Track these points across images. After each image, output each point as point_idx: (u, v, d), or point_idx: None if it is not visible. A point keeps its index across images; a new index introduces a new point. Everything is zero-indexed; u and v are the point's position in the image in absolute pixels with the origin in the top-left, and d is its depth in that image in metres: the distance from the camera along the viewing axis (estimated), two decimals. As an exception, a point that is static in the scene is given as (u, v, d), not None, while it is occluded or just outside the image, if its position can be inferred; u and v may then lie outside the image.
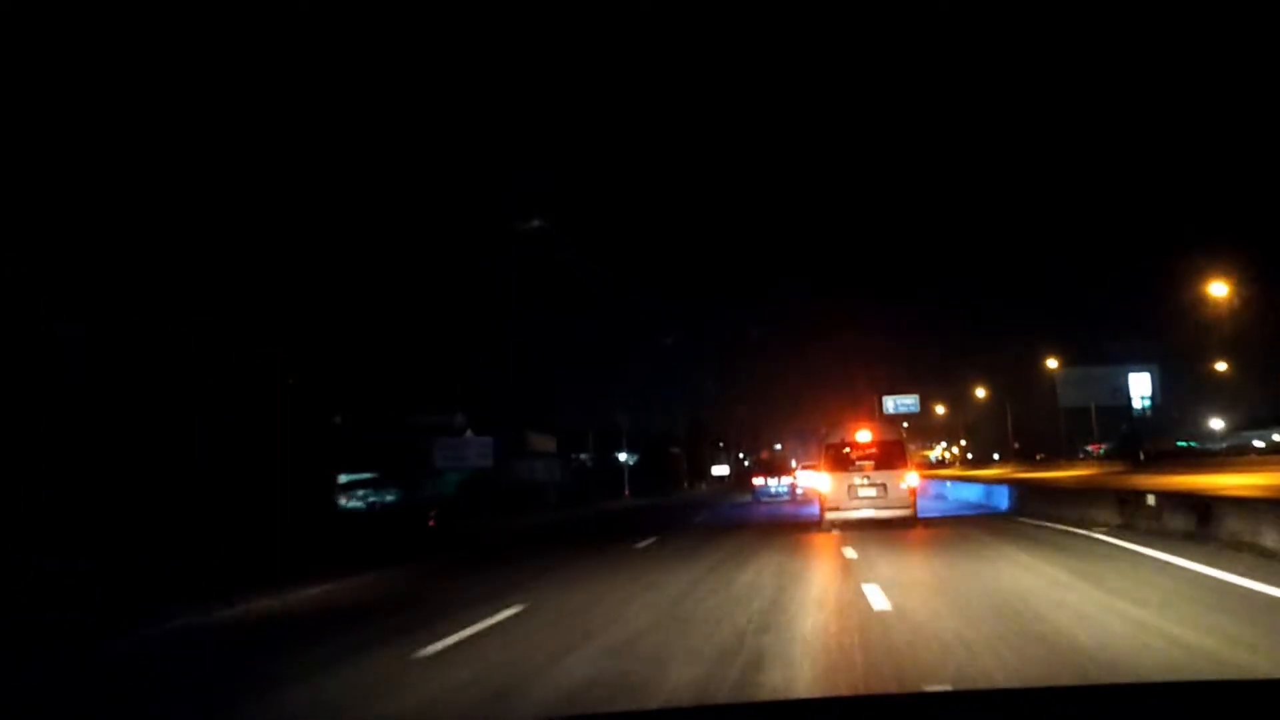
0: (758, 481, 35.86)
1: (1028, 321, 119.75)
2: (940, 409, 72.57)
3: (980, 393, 68.97)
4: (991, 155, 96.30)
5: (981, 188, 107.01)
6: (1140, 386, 66.97)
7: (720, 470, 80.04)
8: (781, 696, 5.01)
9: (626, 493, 44.87)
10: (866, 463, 17.10)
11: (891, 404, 66.04)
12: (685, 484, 66.71)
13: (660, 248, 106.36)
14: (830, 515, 16.86)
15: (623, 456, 49.20)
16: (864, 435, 18.21)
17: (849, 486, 16.80)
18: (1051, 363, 63.61)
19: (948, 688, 5.04)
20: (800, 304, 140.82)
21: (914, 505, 16.83)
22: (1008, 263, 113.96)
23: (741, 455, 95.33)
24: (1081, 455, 72.56)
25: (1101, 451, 71.91)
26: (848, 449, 17.93)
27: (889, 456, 17.27)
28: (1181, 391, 70.45)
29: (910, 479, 17.10)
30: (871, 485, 16.72)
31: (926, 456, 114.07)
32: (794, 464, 58.63)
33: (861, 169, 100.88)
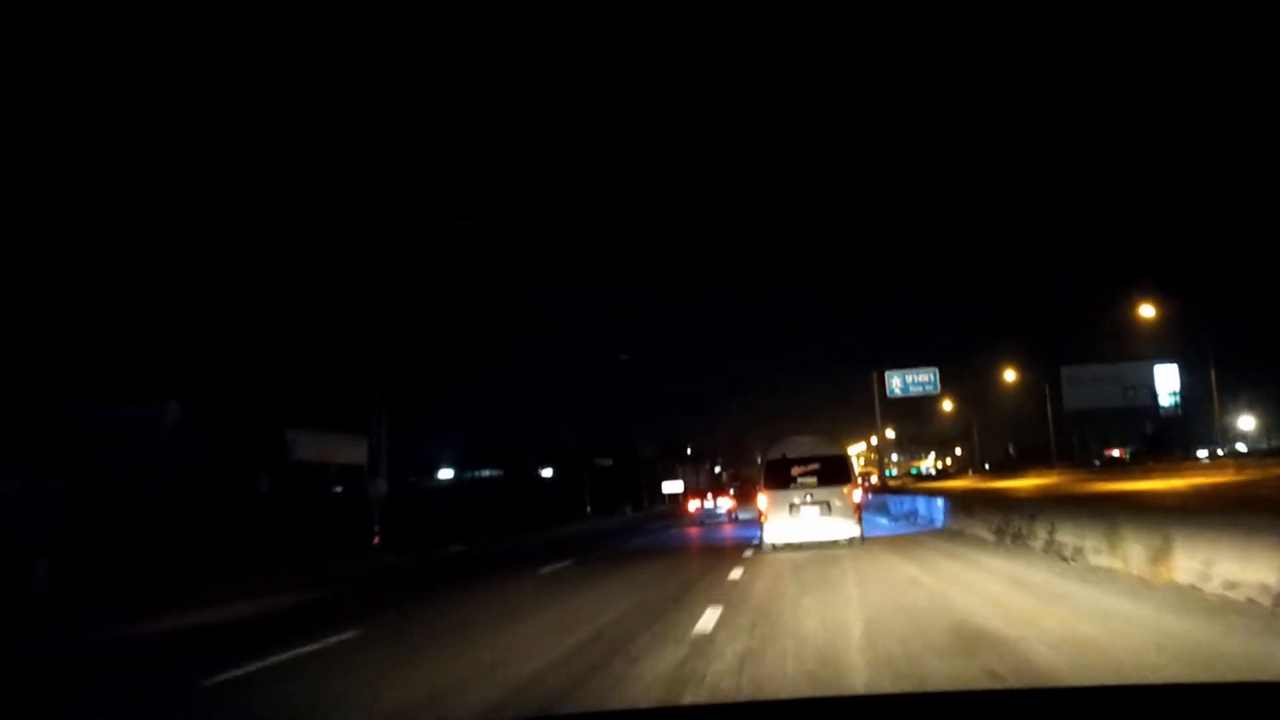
0: (693, 506, 35.64)
1: (1029, 317, 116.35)
2: (947, 405, 62.38)
3: (1010, 375, 55.87)
4: (991, 155, 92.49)
5: (982, 188, 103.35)
6: (1167, 381, 57.15)
7: (673, 487, 66.46)
8: None
9: (376, 539, 25.26)
10: (809, 479, 16.43)
11: (899, 382, 45.17)
12: (588, 509, 51.68)
13: (654, 245, 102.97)
14: (770, 538, 16.38)
15: (385, 484, 28.82)
16: (805, 449, 16.86)
17: (790, 505, 16.21)
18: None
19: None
20: (797, 305, 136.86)
21: (860, 524, 16.28)
22: (1008, 262, 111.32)
23: (718, 469, 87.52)
24: (1097, 462, 64.94)
25: (1129, 455, 63.95)
26: (792, 465, 16.72)
27: (833, 472, 16.50)
28: (1204, 390, 62.34)
29: (855, 496, 16.64)
30: (815, 503, 16.13)
31: (918, 467, 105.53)
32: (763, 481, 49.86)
33: (861, 168, 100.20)
